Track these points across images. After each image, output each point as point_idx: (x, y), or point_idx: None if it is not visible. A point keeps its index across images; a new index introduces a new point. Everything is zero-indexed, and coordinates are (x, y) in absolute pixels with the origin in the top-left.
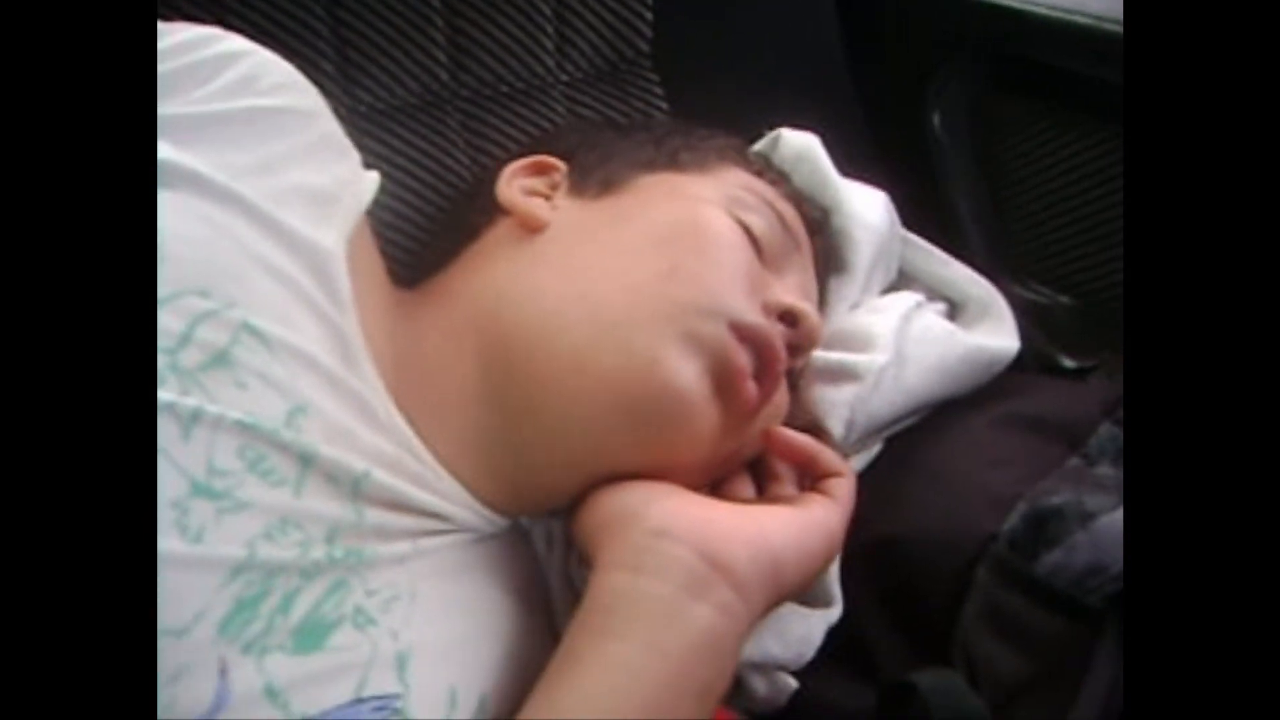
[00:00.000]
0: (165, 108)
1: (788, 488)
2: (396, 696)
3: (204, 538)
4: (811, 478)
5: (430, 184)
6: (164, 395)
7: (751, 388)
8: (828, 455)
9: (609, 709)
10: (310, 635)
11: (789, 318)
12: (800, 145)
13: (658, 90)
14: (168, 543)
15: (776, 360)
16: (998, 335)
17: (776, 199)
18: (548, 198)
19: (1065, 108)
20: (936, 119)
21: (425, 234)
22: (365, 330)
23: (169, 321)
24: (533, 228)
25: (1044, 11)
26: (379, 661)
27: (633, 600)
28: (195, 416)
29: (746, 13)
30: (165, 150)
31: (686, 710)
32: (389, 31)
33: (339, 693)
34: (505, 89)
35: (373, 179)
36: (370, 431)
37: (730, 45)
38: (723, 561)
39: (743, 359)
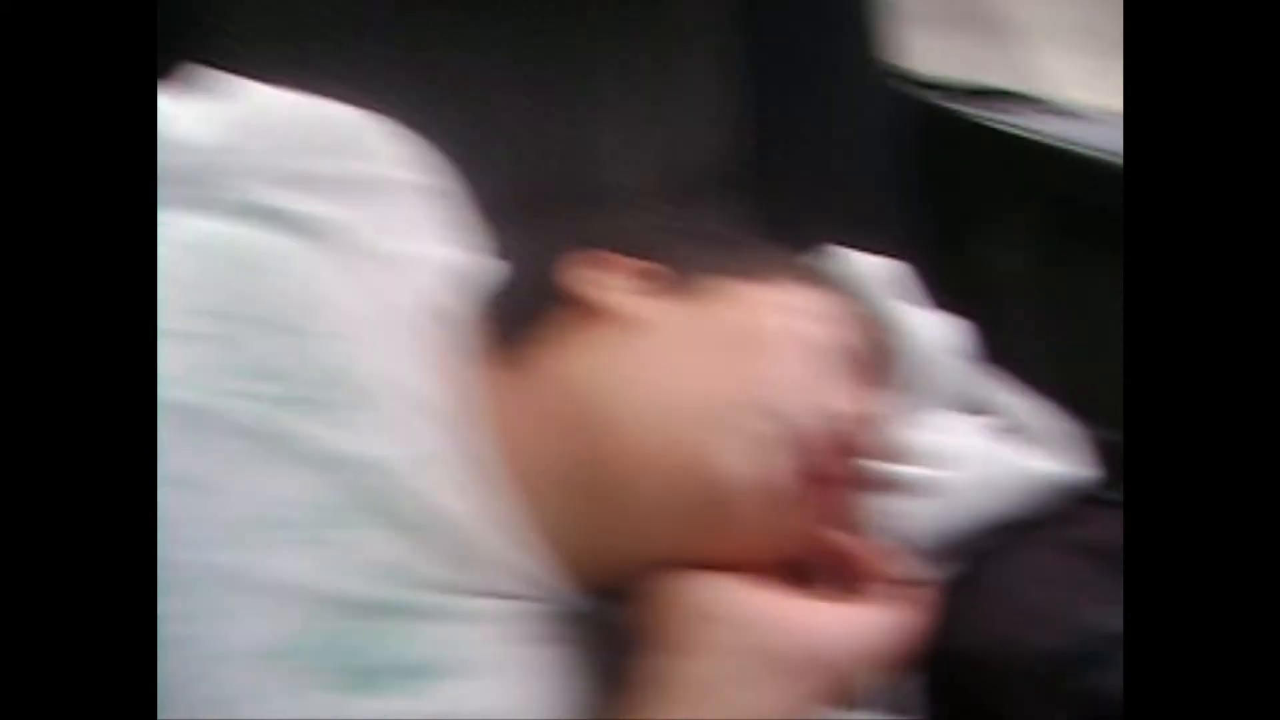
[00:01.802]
0: (304, 163)
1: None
2: None
3: (278, 563)
4: (871, 584)
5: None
6: (284, 419)
7: (807, 488)
8: (888, 560)
9: None
10: (376, 679)
11: (853, 423)
12: (865, 266)
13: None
14: (254, 557)
15: (839, 464)
16: (1064, 463)
17: (839, 312)
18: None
19: None
20: (1001, 260)
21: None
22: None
23: (279, 349)
24: (610, 320)
25: (1111, 157)
26: None
27: (692, 684)
28: (314, 449)
29: (822, 137)
30: (301, 201)
31: None
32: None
33: None
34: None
35: (493, 267)
36: (479, 489)
37: (792, 172)
38: (790, 650)
39: (801, 459)
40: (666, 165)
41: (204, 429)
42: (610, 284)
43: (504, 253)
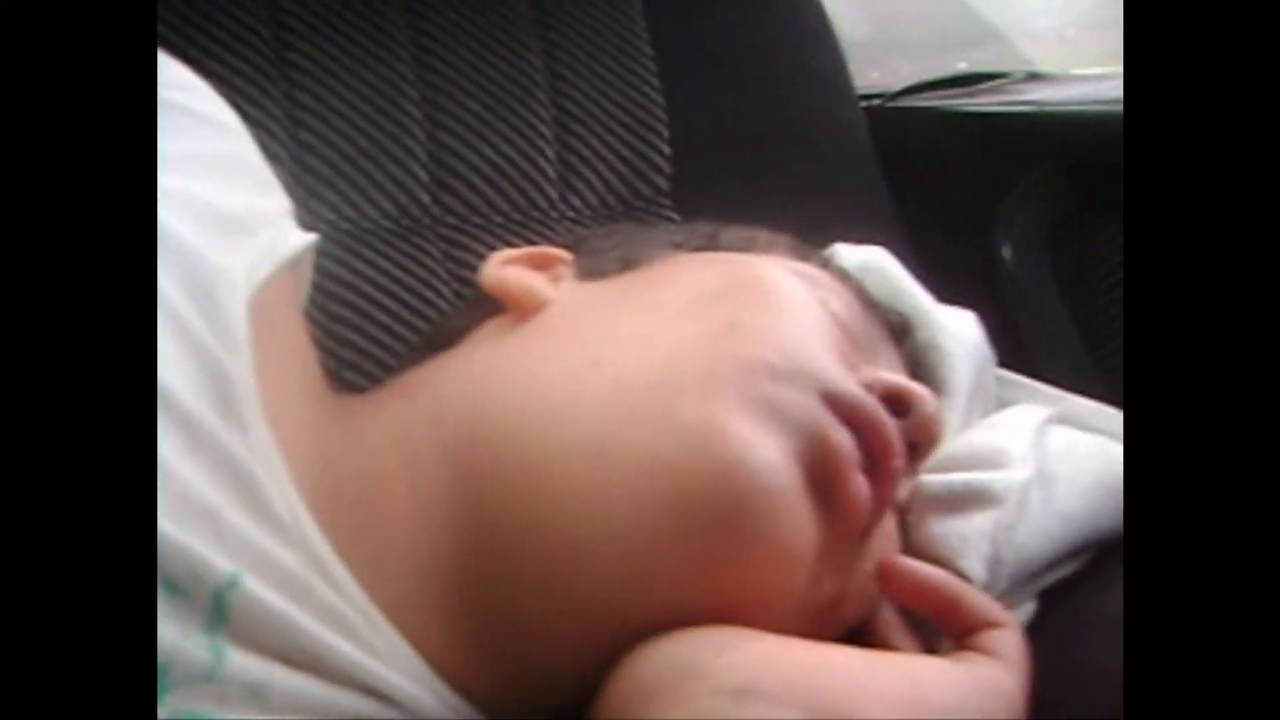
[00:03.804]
0: None
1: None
2: None
3: None
4: (956, 635)
5: (404, 318)
6: None
7: (861, 483)
8: (976, 598)
9: None
10: None
11: (896, 401)
12: (864, 255)
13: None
14: None
15: (890, 449)
16: None
17: (850, 294)
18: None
19: None
20: (1008, 250)
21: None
22: (274, 417)
23: None
24: (530, 308)
25: (1095, 110)
26: None
27: None
28: None
29: (778, 146)
30: None
31: None
32: (358, 142)
33: None
34: (499, 218)
35: (307, 239)
36: (250, 520)
37: (761, 183)
38: None
39: (844, 438)
40: (577, 183)
41: None
42: (514, 272)
43: (365, 291)
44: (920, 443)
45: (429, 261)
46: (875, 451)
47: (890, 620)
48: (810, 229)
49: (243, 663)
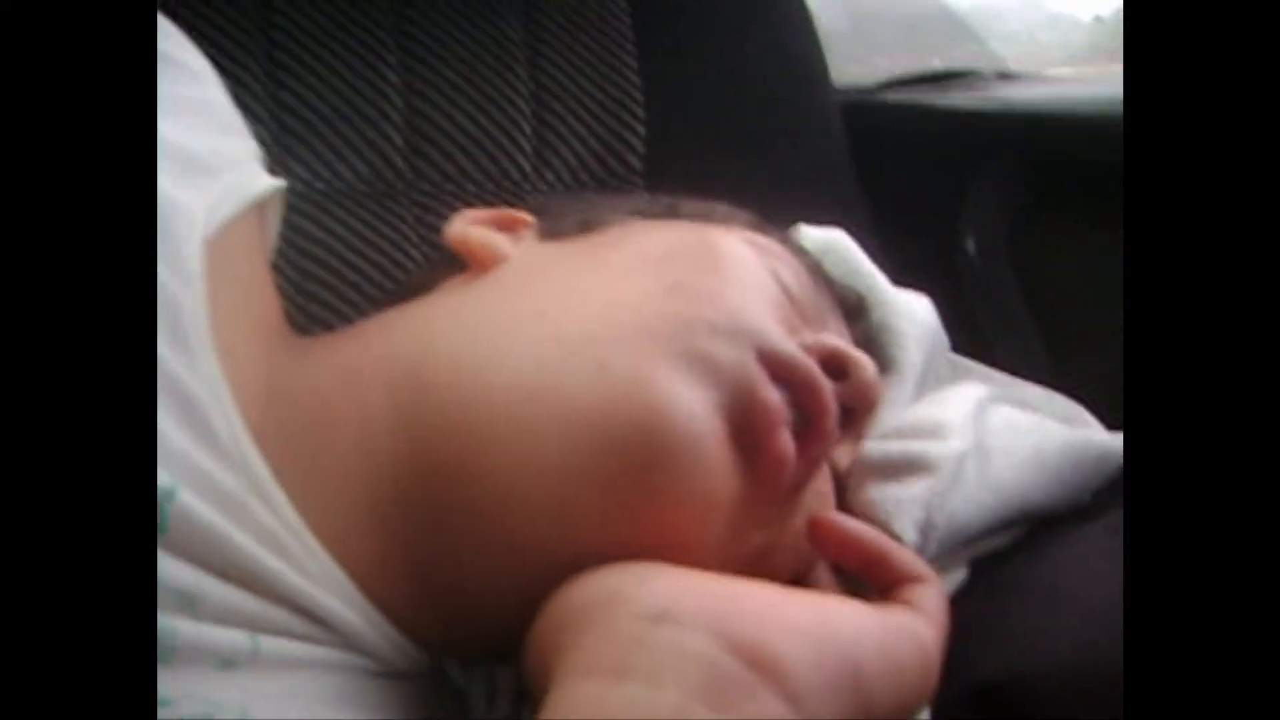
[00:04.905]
0: None
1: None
2: None
3: None
4: (881, 588)
5: (374, 279)
6: None
7: (785, 440)
8: (902, 554)
9: None
10: None
11: (835, 365)
12: (824, 236)
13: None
14: None
15: (823, 409)
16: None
17: (807, 268)
18: None
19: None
20: (970, 242)
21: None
22: (225, 348)
23: None
24: (488, 263)
25: (1092, 107)
26: None
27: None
28: None
29: (751, 129)
30: None
31: None
32: (336, 104)
33: None
34: (472, 187)
35: (273, 183)
36: (191, 440)
37: (733, 164)
38: (767, 654)
39: (772, 395)
40: (551, 157)
41: None
42: (476, 230)
43: (338, 251)
44: (857, 407)
45: (401, 225)
46: (808, 411)
47: (824, 577)
48: (778, 210)
49: (176, 571)
